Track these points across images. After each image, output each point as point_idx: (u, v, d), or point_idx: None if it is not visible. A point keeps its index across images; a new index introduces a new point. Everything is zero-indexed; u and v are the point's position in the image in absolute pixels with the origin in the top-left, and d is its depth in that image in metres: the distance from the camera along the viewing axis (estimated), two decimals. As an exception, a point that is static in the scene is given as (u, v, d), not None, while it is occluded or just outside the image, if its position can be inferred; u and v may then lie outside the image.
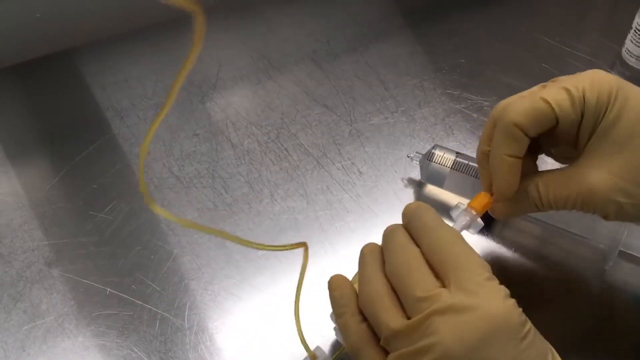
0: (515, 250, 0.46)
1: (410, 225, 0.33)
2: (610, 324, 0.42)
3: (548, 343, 0.30)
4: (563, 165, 0.40)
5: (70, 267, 0.44)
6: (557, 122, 0.35)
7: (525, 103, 0.36)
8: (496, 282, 0.30)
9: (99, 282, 0.43)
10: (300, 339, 0.36)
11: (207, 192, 0.50)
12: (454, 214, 0.40)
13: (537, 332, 0.30)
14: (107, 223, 0.47)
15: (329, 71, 0.60)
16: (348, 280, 0.34)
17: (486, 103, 0.57)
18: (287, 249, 0.35)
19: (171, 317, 0.41)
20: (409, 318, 0.29)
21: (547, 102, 0.35)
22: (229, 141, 0.54)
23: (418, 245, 0.32)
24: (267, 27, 0.65)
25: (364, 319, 0.31)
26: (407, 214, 0.34)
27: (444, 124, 0.56)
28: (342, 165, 0.52)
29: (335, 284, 0.33)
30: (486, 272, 0.30)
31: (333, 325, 0.36)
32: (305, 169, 0.52)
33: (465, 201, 0.40)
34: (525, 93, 0.38)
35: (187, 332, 0.41)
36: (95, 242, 0.46)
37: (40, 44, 0.61)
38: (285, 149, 0.53)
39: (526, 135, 0.36)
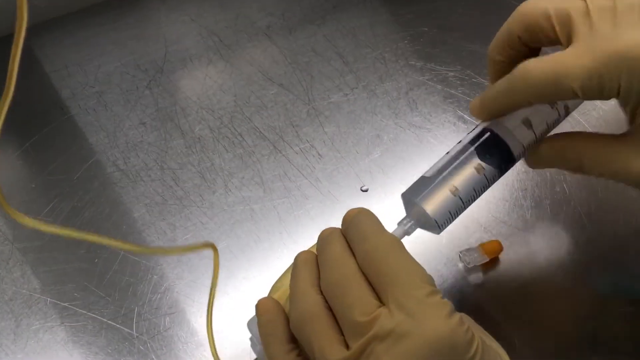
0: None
1: (347, 232, 0.30)
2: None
3: (498, 348, 0.28)
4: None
5: (7, 277, 0.41)
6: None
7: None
8: (439, 296, 0.27)
9: (37, 291, 0.40)
10: (212, 349, 0.34)
11: (156, 186, 0.46)
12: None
13: (485, 344, 0.27)
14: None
15: (284, 47, 0.57)
16: (277, 303, 0.31)
17: (451, 73, 0.54)
18: (193, 251, 0.32)
19: (118, 325, 0.38)
20: (346, 342, 0.26)
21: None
22: (179, 128, 0.50)
23: (354, 255, 0.29)
24: (217, 1, 0.60)
25: (295, 346, 0.29)
26: (346, 219, 0.31)
27: (407, 98, 0.52)
28: (300, 148, 0.49)
29: (263, 308, 0.30)
30: (427, 285, 0.27)
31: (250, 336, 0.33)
32: (261, 155, 0.48)
33: None
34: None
35: (136, 341, 0.38)
36: (34, 247, 0.42)
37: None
38: (240, 134, 0.50)
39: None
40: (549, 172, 0.47)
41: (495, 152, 0.34)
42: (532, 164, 0.36)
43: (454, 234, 0.44)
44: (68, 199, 0.45)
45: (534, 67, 0.31)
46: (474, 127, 0.36)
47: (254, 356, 0.35)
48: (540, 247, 0.43)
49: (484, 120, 0.36)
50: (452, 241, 0.43)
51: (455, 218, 0.34)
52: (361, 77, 0.54)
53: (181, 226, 0.44)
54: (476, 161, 0.34)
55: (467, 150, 0.34)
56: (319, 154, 0.48)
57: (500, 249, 0.42)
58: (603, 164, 0.32)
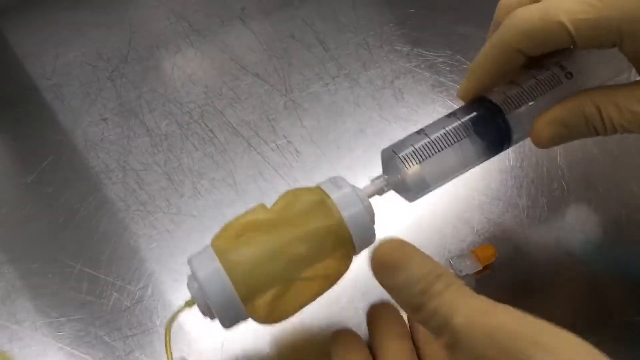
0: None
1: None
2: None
3: None
4: None
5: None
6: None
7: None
8: None
9: None
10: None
11: (118, 189, 0.42)
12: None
13: None
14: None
15: (260, 32, 0.52)
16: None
17: (440, 59, 0.50)
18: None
19: (72, 350, 0.35)
20: None
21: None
22: (144, 125, 0.46)
23: None
24: (187, -18, 0.55)
25: None
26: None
27: (392, 87, 0.48)
28: (276, 145, 0.45)
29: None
30: None
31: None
32: (234, 153, 0.44)
33: None
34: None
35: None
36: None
37: None
38: (210, 130, 0.46)
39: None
40: (545, 168, 0.44)
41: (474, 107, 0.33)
42: (544, 130, 0.31)
43: (444, 238, 0.40)
44: (19, 206, 0.41)
45: (523, 9, 0.29)
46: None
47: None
48: (538, 250, 0.40)
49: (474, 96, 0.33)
50: (443, 246, 0.40)
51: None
52: (343, 65, 0.50)
53: (145, 235, 0.40)
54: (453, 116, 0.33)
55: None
56: (297, 151, 0.44)
57: (495, 254, 0.38)
58: (624, 110, 0.29)
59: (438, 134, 0.32)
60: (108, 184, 0.42)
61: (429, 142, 0.32)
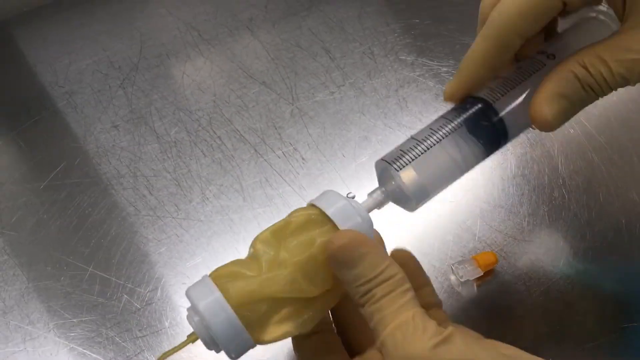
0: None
1: None
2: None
3: None
4: None
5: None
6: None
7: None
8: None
9: None
10: None
11: (128, 195, 0.43)
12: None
13: None
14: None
15: (267, 42, 0.53)
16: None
17: (444, 69, 0.51)
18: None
19: (84, 350, 0.36)
20: None
21: None
22: (154, 132, 0.47)
23: None
24: (196, -7, 0.57)
25: None
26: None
27: (397, 96, 0.49)
28: (283, 152, 0.46)
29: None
30: None
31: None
32: (241, 160, 0.45)
33: None
34: None
35: None
36: (-3, 263, 0.40)
37: None
38: (219, 137, 0.47)
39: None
40: (546, 176, 0.44)
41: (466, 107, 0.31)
42: (545, 110, 0.29)
43: (445, 244, 0.41)
44: (33, 210, 0.42)
45: None
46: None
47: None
48: (538, 257, 0.41)
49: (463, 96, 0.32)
50: (445, 252, 0.40)
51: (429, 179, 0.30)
52: (348, 74, 0.51)
53: (155, 239, 0.41)
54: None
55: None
56: (303, 158, 0.46)
57: (496, 261, 0.39)
58: (609, 61, 0.28)
59: (429, 138, 0.30)
60: (119, 190, 0.43)
61: (420, 147, 0.30)
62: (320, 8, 0.55)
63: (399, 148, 0.31)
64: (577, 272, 0.40)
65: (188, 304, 0.38)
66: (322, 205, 0.29)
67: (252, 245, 0.29)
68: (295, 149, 0.46)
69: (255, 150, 0.46)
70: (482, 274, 0.39)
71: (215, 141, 0.46)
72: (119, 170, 0.44)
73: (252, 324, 0.27)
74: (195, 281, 0.38)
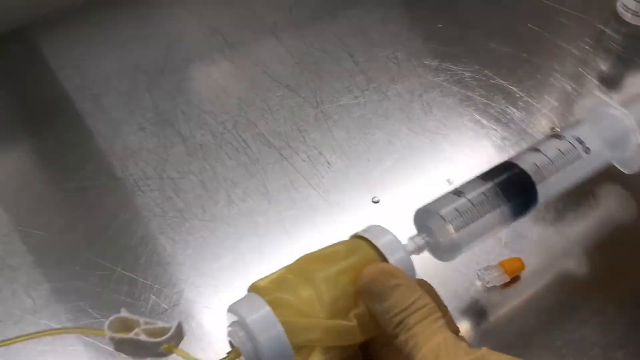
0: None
1: None
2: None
3: None
4: None
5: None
6: None
7: None
8: None
9: (29, 312, 0.38)
10: None
11: (155, 196, 0.44)
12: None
13: None
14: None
15: (291, 46, 0.54)
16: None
17: (468, 74, 0.51)
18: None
19: (113, 350, 0.36)
20: None
21: None
22: (180, 135, 0.47)
23: None
24: (221, -4, 0.57)
25: None
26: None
27: (421, 101, 0.49)
28: (307, 155, 0.46)
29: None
30: None
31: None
32: (266, 163, 0.46)
33: None
34: None
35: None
36: (26, 264, 0.40)
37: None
38: (244, 140, 0.47)
39: None
40: (573, 182, 0.44)
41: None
42: None
43: (471, 250, 0.41)
44: (63, 210, 0.43)
45: None
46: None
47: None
48: (565, 264, 0.40)
49: None
50: (470, 258, 0.40)
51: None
52: (372, 78, 0.51)
53: (182, 240, 0.41)
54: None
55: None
56: (328, 162, 0.46)
57: (522, 267, 0.39)
58: None
59: (477, 197, 0.34)
60: (146, 191, 0.44)
61: (469, 205, 0.33)
62: (345, 13, 0.56)
63: (455, 208, 0.33)
64: (605, 282, 0.40)
65: (213, 306, 0.38)
66: (369, 237, 0.30)
67: (300, 263, 0.29)
68: (319, 153, 0.46)
69: (280, 154, 0.46)
70: (508, 279, 0.38)
71: (240, 144, 0.47)
72: (145, 172, 0.45)
73: (299, 342, 0.27)
74: (222, 284, 0.38)
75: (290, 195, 0.44)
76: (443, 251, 0.33)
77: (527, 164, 0.36)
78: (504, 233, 0.41)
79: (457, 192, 0.34)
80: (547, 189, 0.36)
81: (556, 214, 0.42)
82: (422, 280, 0.31)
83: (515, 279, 0.39)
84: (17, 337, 0.33)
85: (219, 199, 0.44)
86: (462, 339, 0.30)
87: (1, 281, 0.39)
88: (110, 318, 0.34)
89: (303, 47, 0.53)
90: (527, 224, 0.42)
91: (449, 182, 0.44)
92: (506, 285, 0.39)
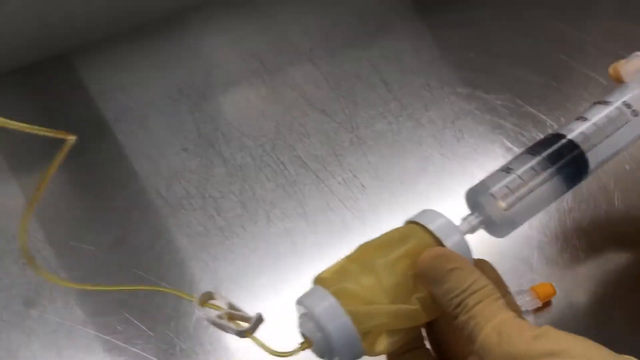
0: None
1: None
2: None
3: None
4: None
5: (50, 307, 0.41)
6: None
7: None
8: None
9: (80, 322, 0.40)
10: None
11: (197, 215, 0.46)
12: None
13: None
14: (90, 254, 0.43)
15: (327, 72, 0.56)
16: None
17: (499, 102, 0.53)
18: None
19: (160, 361, 0.38)
20: None
21: None
22: (220, 156, 0.50)
23: None
24: (259, 24, 0.60)
25: None
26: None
27: (453, 127, 0.51)
28: (343, 178, 0.48)
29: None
30: None
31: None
32: (303, 185, 0.47)
33: None
34: None
35: (178, 378, 0.37)
36: (77, 276, 0.42)
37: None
38: (282, 163, 0.49)
39: None
40: (603, 210, 0.45)
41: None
42: None
43: (502, 275, 0.42)
44: (110, 227, 0.45)
45: None
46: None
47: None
48: (595, 291, 0.41)
49: None
50: (502, 282, 0.41)
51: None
52: (406, 105, 0.53)
53: (223, 258, 0.43)
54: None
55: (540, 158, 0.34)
56: (363, 185, 0.47)
57: (554, 292, 0.40)
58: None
59: (527, 173, 0.33)
60: (189, 210, 0.46)
61: (519, 181, 0.33)
62: (378, 41, 0.58)
63: (506, 185, 0.33)
64: (636, 310, 0.40)
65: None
66: (423, 221, 0.30)
67: (359, 252, 0.30)
68: (354, 176, 0.48)
69: (317, 176, 0.48)
70: (540, 304, 0.40)
71: (278, 166, 0.49)
72: (188, 192, 0.47)
73: (365, 330, 0.28)
74: (261, 299, 0.40)
75: (327, 216, 0.45)
76: (498, 228, 0.33)
77: (574, 134, 0.35)
78: (535, 258, 0.43)
79: (506, 169, 0.34)
80: (597, 156, 0.35)
81: (587, 241, 0.43)
82: (482, 260, 0.32)
83: (547, 304, 0.40)
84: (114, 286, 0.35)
85: (258, 218, 0.45)
86: (523, 318, 0.31)
87: (55, 293, 0.41)
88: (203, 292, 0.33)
89: (338, 73, 0.56)
90: (558, 251, 0.43)
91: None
92: (538, 310, 0.40)
